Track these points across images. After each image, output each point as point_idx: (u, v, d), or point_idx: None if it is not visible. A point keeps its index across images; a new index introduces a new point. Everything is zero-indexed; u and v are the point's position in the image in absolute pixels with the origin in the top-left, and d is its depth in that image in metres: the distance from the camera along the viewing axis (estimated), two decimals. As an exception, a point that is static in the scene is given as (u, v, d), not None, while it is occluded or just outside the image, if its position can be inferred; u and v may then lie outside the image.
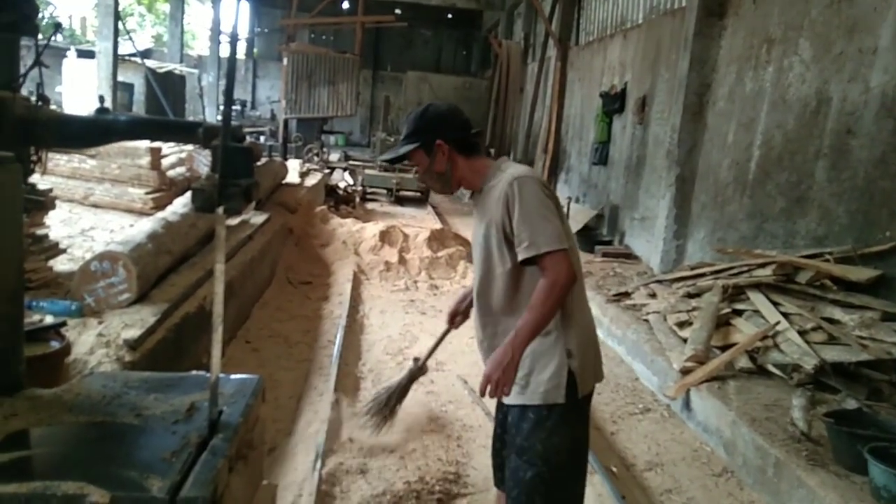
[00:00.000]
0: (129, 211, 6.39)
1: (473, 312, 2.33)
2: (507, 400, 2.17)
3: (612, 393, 4.77)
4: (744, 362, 4.39)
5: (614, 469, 3.52)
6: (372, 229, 7.56)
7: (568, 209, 9.67)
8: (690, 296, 5.55)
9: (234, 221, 6.41)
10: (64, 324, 2.79)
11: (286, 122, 14.30)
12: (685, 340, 4.77)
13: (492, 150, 15.88)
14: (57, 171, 6.47)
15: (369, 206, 12.26)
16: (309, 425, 3.61)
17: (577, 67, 12.14)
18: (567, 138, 12.57)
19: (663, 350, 4.83)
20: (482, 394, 2.06)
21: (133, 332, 3.25)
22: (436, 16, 24.82)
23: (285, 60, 13.93)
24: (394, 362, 4.76)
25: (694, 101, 6.86)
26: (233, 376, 2.41)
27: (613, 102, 9.61)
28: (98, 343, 3.12)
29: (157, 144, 6.51)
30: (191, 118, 14.96)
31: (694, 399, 4.25)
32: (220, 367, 1.89)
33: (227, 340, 4.86)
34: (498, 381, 2.00)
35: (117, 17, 11.39)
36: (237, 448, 1.92)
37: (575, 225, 9.51)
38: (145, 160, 6.39)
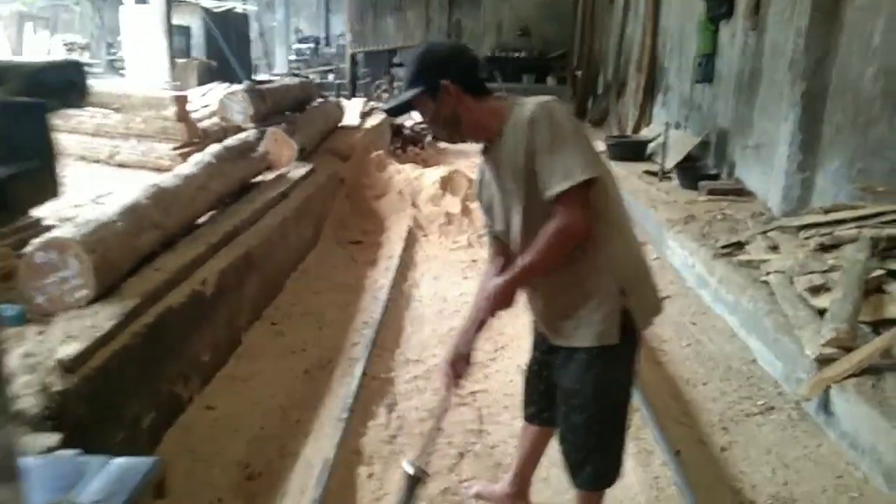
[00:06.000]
0: (158, 170, 5.67)
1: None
2: (555, 342, 2.10)
3: (722, 382, 3.71)
4: (908, 347, 3.22)
5: (726, 521, 2.53)
6: (432, 175, 6.58)
7: (666, 136, 8.30)
8: (825, 248, 4.31)
9: (270, 175, 5.63)
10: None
11: (353, 57, 13.32)
12: (821, 312, 3.61)
13: (578, 73, 14.37)
14: (81, 129, 5.87)
15: (442, 144, 11.23)
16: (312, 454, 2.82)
17: (674, -32, 10.42)
18: (664, 53, 10.92)
19: (791, 326, 3.69)
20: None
21: (74, 347, 2.50)
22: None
23: (348, -11, 12.90)
24: (441, 348, 3.90)
25: (826, -4, 5.37)
26: (116, 460, 1.59)
27: (720, 5, 8.01)
28: (24, 366, 2.39)
29: (182, 92, 5.77)
30: (256, 61, 14.28)
31: (836, 400, 3.13)
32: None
33: (249, 323, 4.14)
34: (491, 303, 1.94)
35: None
36: None
37: (675, 155, 8.16)
38: (171, 111, 5.66)
